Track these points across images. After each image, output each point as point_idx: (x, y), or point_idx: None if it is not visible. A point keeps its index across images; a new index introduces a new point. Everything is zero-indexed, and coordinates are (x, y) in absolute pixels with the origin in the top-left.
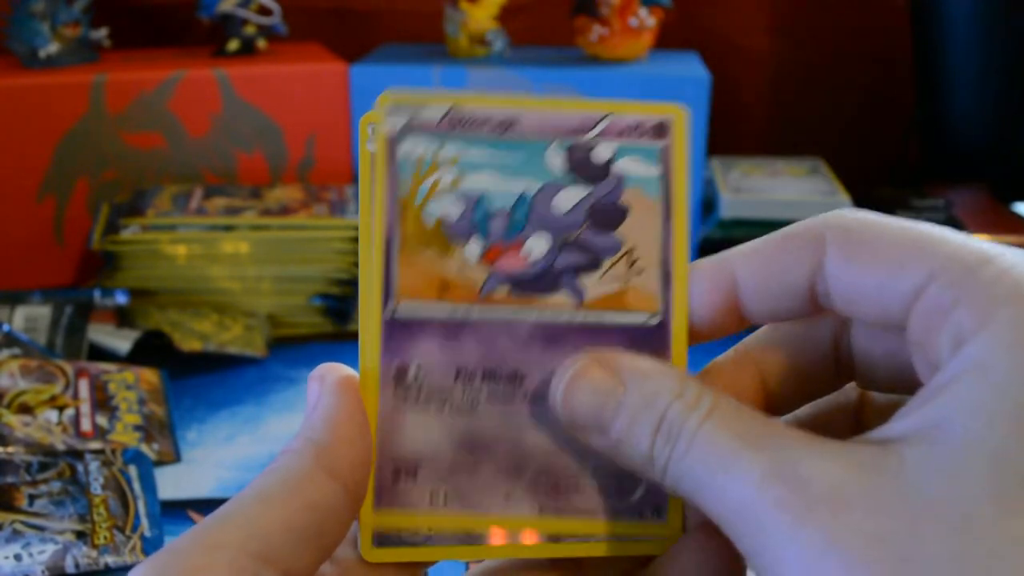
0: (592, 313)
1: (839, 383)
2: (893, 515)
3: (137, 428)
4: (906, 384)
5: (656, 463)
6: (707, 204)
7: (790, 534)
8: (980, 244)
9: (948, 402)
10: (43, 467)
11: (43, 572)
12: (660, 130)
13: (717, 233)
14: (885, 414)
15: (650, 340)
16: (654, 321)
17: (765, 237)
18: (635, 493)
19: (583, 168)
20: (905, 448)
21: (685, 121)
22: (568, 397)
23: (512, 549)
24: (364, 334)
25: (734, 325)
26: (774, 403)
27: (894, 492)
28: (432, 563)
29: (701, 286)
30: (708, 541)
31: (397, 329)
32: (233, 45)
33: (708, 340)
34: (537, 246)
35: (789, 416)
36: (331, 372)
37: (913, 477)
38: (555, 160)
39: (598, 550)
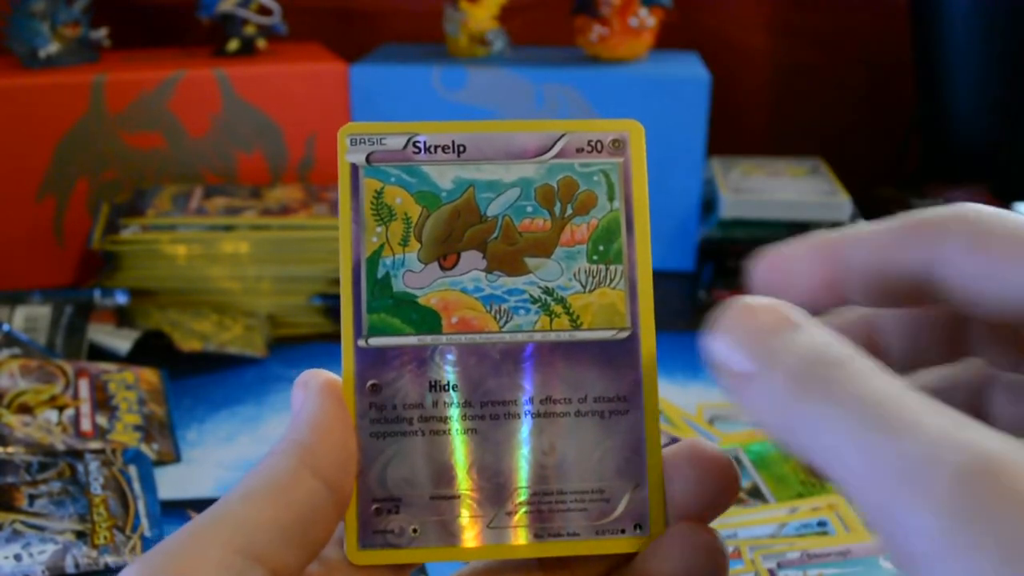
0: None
1: (954, 357)
2: None
3: (137, 428)
4: None
5: (794, 409)
6: (707, 204)
7: (968, 508)
8: None
9: None
10: (43, 467)
11: (43, 572)
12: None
13: (717, 233)
14: (1015, 396)
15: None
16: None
17: (882, 221)
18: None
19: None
20: None
21: (641, 136)
22: (731, 323)
23: (498, 550)
24: (343, 354)
25: (833, 304)
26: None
27: None
28: (418, 564)
29: (811, 260)
30: (692, 536)
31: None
32: (233, 45)
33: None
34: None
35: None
36: (315, 377)
37: None
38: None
39: (583, 549)
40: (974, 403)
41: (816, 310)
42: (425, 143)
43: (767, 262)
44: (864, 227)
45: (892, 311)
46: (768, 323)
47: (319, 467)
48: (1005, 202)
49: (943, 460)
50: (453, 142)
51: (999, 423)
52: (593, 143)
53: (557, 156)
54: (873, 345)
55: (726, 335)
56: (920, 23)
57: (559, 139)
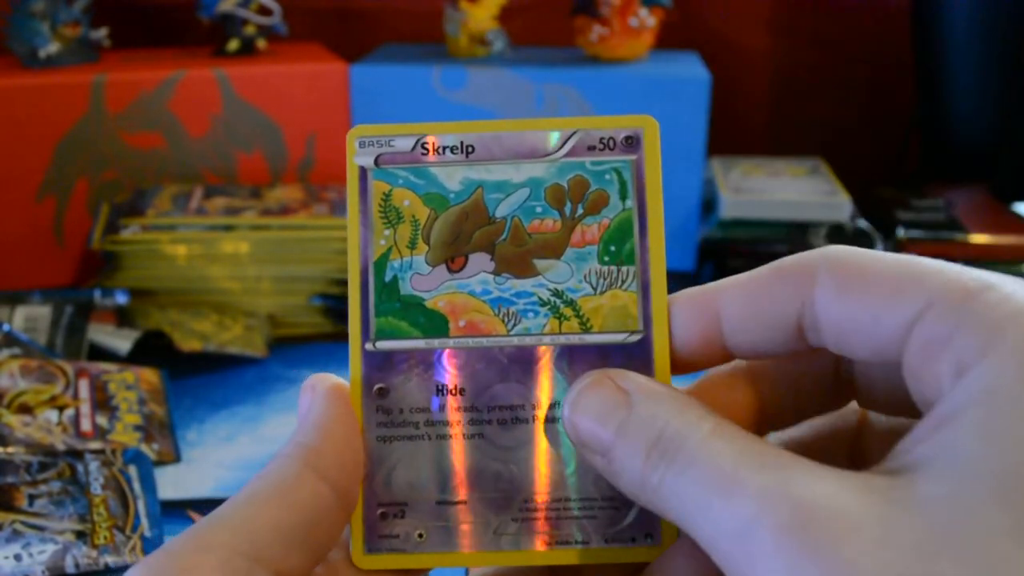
0: (572, 335)
1: (837, 402)
2: (904, 546)
3: (137, 428)
4: (910, 406)
5: (649, 481)
6: (707, 204)
7: (789, 563)
8: (977, 272)
9: (958, 430)
10: (43, 467)
11: (43, 572)
12: (630, 143)
13: (717, 233)
14: (886, 440)
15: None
16: (634, 339)
17: (753, 271)
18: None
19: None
20: (916, 477)
21: (656, 132)
22: (575, 407)
23: (505, 557)
24: (351, 357)
25: (716, 358)
26: (769, 419)
27: (905, 522)
28: (426, 571)
29: (683, 316)
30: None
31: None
32: (233, 45)
33: (690, 372)
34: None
35: (782, 435)
36: (322, 381)
37: (925, 507)
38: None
39: (592, 557)
40: (853, 449)
41: (701, 365)
42: (434, 144)
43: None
44: (737, 275)
45: (772, 362)
46: (608, 400)
47: (325, 471)
48: (1005, 202)
49: (766, 517)
50: (462, 143)
51: (872, 466)
52: (605, 140)
53: (568, 155)
54: (756, 398)
55: (578, 419)
56: (920, 23)
57: (570, 137)
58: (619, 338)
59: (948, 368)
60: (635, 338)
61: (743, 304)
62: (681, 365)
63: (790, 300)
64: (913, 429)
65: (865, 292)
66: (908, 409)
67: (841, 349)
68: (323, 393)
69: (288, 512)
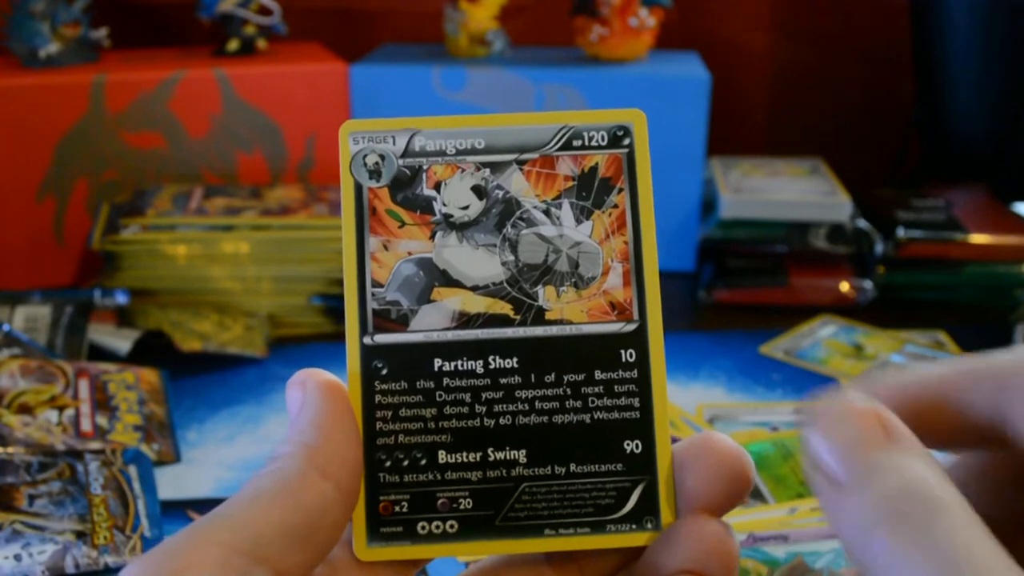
0: (567, 325)
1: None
2: None
3: (137, 428)
4: None
5: (874, 527)
6: (707, 204)
7: None
8: None
9: None
10: (43, 467)
11: (43, 572)
12: (621, 136)
13: (717, 233)
14: None
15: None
16: (630, 328)
17: (945, 364)
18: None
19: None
20: None
21: (644, 125)
22: (829, 425)
23: (506, 545)
24: (348, 350)
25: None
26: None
27: None
28: (427, 561)
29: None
30: (702, 527)
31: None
32: (233, 45)
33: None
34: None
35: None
36: (312, 377)
37: None
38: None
39: (592, 543)
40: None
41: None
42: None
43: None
44: (929, 369)
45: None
46: (867, 434)
47: (328, 469)
48: (1005, 202)
49: None
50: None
51: None
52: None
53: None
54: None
55: (825, 438)
56: (920, 23)
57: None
58: (615, 328)
59: None
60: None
61: (937, 399)
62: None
63: (988, 401)
64: None
65: None
66: None
67: None
68: (315, 389)
69: (292, 512)
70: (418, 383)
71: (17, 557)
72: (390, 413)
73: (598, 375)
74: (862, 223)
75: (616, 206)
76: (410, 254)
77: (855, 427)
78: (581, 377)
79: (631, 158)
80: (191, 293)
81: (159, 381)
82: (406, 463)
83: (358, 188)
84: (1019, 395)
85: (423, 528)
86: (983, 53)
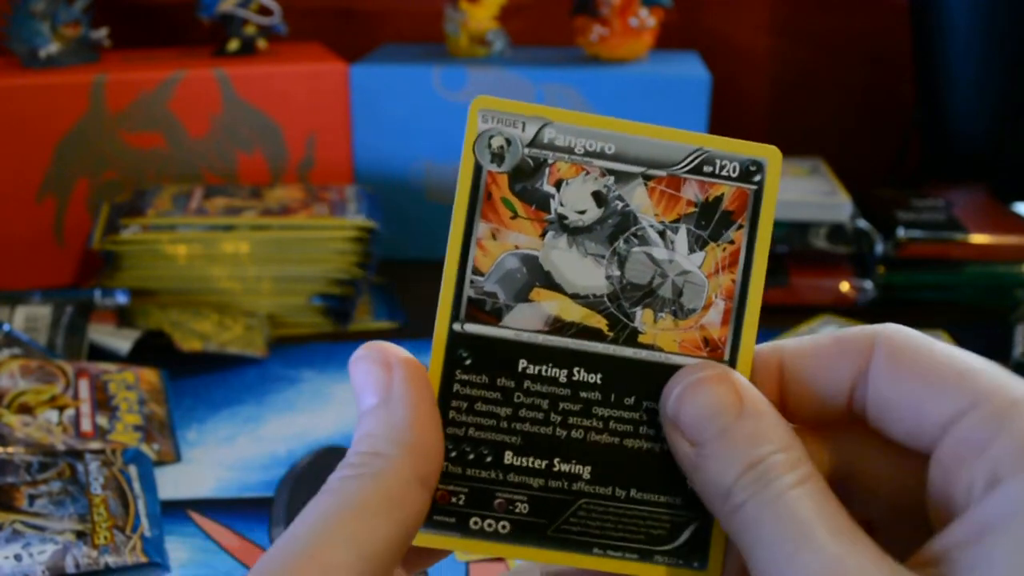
0: (658, 352)
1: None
2: None
3: (137, 428)
4: (911, 492)
5: (732, 497)
6: None
7: None
8: None
9: (997, 545)
10: (43, 467)
11: (43, 572)
12: (752, 171)
13: None
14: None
15: None
16: None
17: (814, 336)
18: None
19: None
20: None
21: (778, 164)
22: (686, 394)
23: (556, 556)
24: (436, 335)
25: None
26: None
27: None
28: (444, 555)
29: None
30: None
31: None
32: (233, 45)
33: None
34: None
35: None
36: (398, 359)
37: None
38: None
39: (638, 570)
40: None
41: None
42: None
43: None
44: (797, 340)
45: (805, 365)
46: (722, 402)
47: (429, 480)
48: (1005, 202)
49: None
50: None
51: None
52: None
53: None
54: (778, 387)
55: (684, 402)
56: (920, 23)
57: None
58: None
59: (981, 475)
60: None
61: (805, 366)
62: None
63: (847, 370)
64: (949, 529)
65: (915, 379)
66: (908, 494)
67: (880, 426)
68: (406, 379)
69: (400, 527)
70: (499, 380)
71: (17, 557)
72: (466, 404)
73: None
74: (862, 223)
75: (732, 242)
76: (517, 248)
77: (710, 393)
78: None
79: (758, 196)
80: (191, 293)
81: (159, 381)
82: (471, 457)
83: (477, 169)
84: (875, 364)
85: (475, 524)
86: (983, 53)
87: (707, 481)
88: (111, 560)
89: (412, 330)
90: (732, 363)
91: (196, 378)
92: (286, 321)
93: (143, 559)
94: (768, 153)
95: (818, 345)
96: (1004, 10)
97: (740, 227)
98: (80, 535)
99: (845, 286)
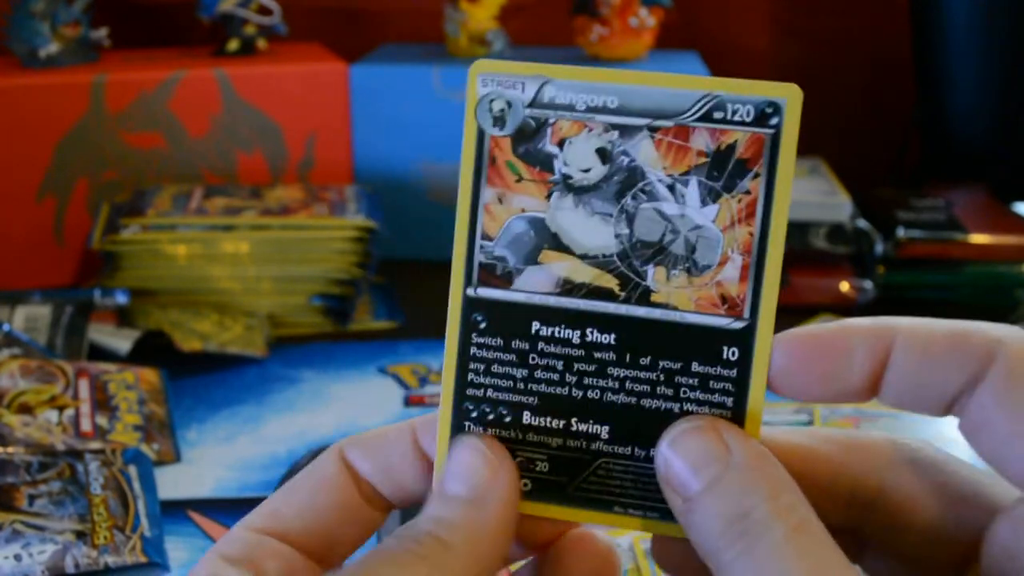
0: (672, 311)
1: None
2: None
3: (137, 428)
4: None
5: (721, 554)
6: None
7: None
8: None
9: None
10: (43, 467)
11: (43, 572)
12: (769, 113)
13: None
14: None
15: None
16: (738, 326)
17: (932, 322)
18: None
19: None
20: None
21: (798, 104)
22: (674, 443)
23: (576, 514)
24: (451, 301)
25: (860, 397)
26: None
27: None
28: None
29: (857, 354)
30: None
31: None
32: (233, 45)
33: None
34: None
35: None
36: (505, 463)
37: None
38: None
39: (658, 529)
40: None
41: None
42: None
43: (810, 345)
44: (914, 324)
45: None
46: (712, 449)
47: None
48: (1005, 202)
49: None
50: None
51: None
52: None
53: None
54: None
55: (674, 454)
56: (920, 23)
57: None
58: (723, 322)
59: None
60: (739, 324)
61: (917, 359)
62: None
63: (961, 373)
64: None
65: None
66: (949, 531)
67: (973, 439)
68: (508, 493)
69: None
70: (513, 343)
71: (17, 557)
72: (483, 367)
73: (695, 367)
74: (862, 223)
75: (748, 192)
76: (523, 211)
77: (698, 443)
78: (677, 366)
79: (776, 140)
80: (191, 293)
81: (159, 381)
82: (491, 417)
83: (480, 134)
84: (992, 376)
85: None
86: (983, 53)
87: (697, 537)
88: (111, 560)
89: (412, 330)
90: (752, 321)
91: (196, 378)
92: (286, 321)
93: (143, 559)
94: (787, 92)
95: (933, 335)
96: (1004, 10)
97: (756, 176)
98: (80, 535)
99: (845, 286)
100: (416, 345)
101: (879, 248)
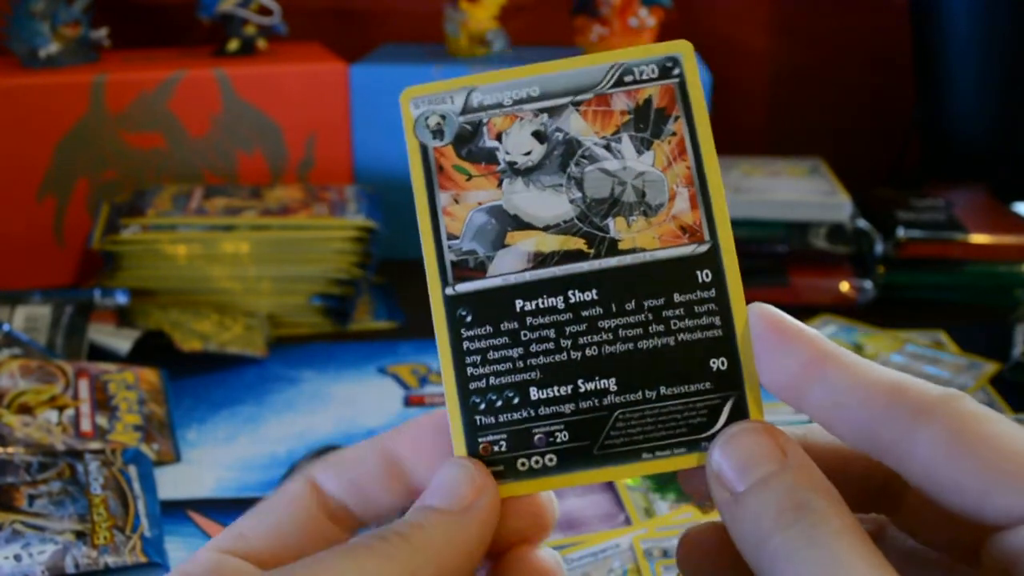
0: (641, 253)
1: (867, 508)
2: None
3: (137, 428)
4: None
5: (769, 539)
6: None
7: None
8: None
9: None
10: (43, 467)
11: (43, 572)
12: (670, 67)
13: None
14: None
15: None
16: (703, 249)
17: (878, 369)
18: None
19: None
20: None
21: (692, 54)
22: (729, 444)
23: (609, 472)
24: (432, 304)
25: (790, 398)
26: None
27: None
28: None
29: (793, 358)
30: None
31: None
32: (233, 45)
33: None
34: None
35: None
36: (488, 483)
37: None
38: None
39: (689, 462)
40: None
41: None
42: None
43: (770, 323)
44: (856, 362)
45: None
46: (764, 449)
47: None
48: (1005, 202)
49: None
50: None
51: None
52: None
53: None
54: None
55: (724, 453)
56: (920, 23)
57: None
58: (688, 250)
59: None
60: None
61: (845, 394)
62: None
63: (894, 426)
64: None
65: (980, 461)
66: (944, 544)
67: (929, 493)
68: (491, 506)
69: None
70: (502, 325)
71: (17, 557)
72: (479, 358)
73: (677, 297)
74: (862, 223)
75: (674, 134)
76: (480, 204)
77: (753, 443)
78: (660, 301)
79: (683, 86)
80: (191, 293)
81: (159, 381)
82: (499, 404)
83: (423, 149)
84: (933, 432)
85: (523, 464)
86: (983, 53)
87: (745, 526)
88: (111, 560)
89: (412, 330)
90: (714, 241)
91: (196, 378)
92: (286, 321)
93: (143, 559)
94: (679, 48)
95: (871, 380)
96: (1004, 10)
97: (677, 118)
98: (80, 535)
99: (845, 286)
100: (416, 345)
101: (879, 248)
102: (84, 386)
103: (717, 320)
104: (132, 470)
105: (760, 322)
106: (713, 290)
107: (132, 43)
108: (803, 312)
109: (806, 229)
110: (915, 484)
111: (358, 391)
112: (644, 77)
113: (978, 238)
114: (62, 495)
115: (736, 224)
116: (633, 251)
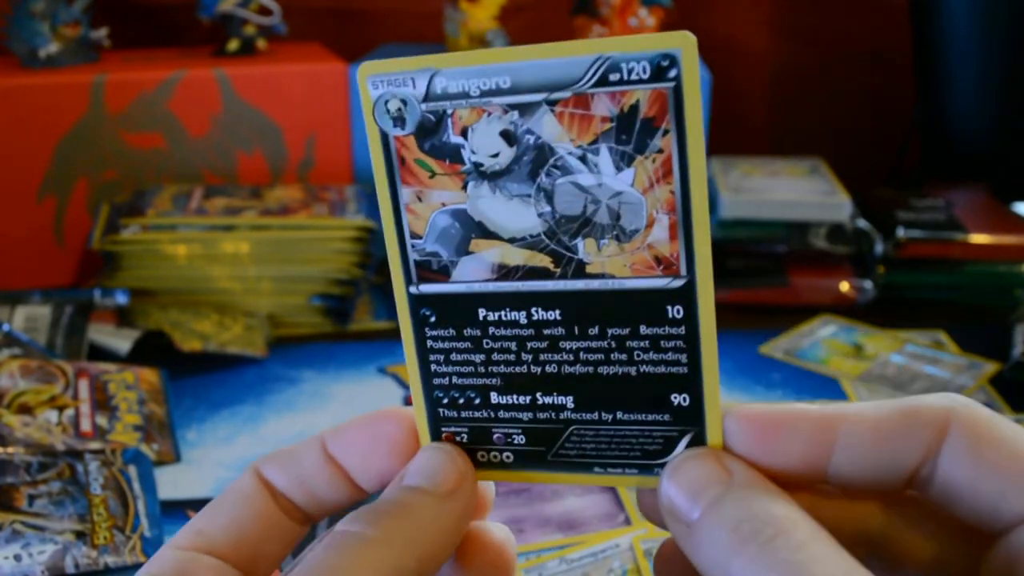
0: (610, 280)
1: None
2: None
3: (137, 428)
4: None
5: (726, 559)
6: None
7: None
8: None
9: None
10: (43, 467)
11: (43, 572)
12: (665, 67)
13: (717, 233)
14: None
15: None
16: (677, 284)
17: (878, 404)
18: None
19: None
20: None
21: (694, 52)
22: (672, 477)
23: (560, 477)
24: (397, 303)
25: (808, 478)
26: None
27: None
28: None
29: (800, 437)
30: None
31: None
32: (233, 45)
33: (778, 481)
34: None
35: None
36: (470, 471)
37: None
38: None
39: (639, 483)
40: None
41: (791, 481)
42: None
43: (759, 422)
44: (860, 408)
45: (864, 432)
46: (709, 474)
47: (430, 559)
48: (1005, 202)
49: None
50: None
51: None
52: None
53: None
54: (828, 452)
55: (672, 485)
56: (920, 23)
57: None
58: (661, 283)
59: None
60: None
61: (867, 442)
62: (776, 476)
63: (917, 448)
64: None
65: (998, 468)
66: (950, 566)
67: (945, 505)
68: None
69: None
70: (465, 331)
71: (17, 557)
72: (442, 356)
73: (643, 330)
74: (862, 223)
75: (661, 151)
76: (444, 205)
77: (698, 467)
78: (625, 331)
79: (678, 93)
80: (191, 293)
81: (159, 381)
82: (461, 401)
83: (384, 137)
84: (950, 444)
85: (483, 456)
86: (983, 53)
87: (704, 554)
88: (111, 560)
89: None
90: (691, 276)
91: (196, 378)
92: (286, 321)
93: (143, 559)
94: (680, 42)
95: (881, 417)
96: (1004, 10)
97: (666, 132)
98: (80, 535)
99: (845, 286)
100: None
101: (879, 248)
102: (84, 386)
103: (684, 358)
104: (132, 470)
105: (743, 428)
106: (683, 327)
107: (132, 43)
108: (803, 312)
109: (806, 229)
110: (932, 495)
111: (358, 391)
112: (633, 77)
113: (978, 238)
114: (62, 495)
115: (736, 224)
116: (601, 276)
